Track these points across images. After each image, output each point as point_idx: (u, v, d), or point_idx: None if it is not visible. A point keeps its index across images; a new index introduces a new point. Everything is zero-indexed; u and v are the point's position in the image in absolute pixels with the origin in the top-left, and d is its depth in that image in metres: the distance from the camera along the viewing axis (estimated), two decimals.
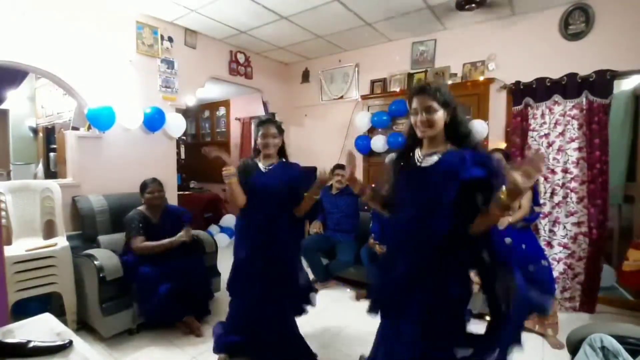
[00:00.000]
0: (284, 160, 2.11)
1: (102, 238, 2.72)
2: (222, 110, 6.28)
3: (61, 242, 2.47)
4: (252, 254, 1.98)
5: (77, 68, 2.85)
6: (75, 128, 3.40)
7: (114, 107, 2.94)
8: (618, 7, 2.79)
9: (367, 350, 2.27)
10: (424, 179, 1.36)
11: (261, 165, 2.04)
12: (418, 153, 1.42)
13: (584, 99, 2.86)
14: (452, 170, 1.28)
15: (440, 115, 1.35)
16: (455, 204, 1.25)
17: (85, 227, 2.76)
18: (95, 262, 2.31)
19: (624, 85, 3.27)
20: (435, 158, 1.36)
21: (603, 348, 1.25)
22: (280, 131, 2.05)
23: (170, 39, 3.46)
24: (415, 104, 1.38)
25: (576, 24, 2.94)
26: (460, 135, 1.37)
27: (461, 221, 1.26)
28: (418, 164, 1.40)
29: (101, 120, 2.90)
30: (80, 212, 2.75)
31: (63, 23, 2.74)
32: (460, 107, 1.42)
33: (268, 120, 2.06)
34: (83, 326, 2.47)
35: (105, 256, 2.40)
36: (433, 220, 1.29)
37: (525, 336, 2.44)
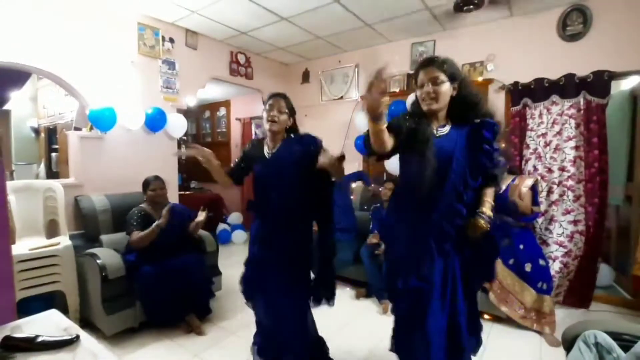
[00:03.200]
0: (289, 138, 1.78)
1: (104, 237, 2.75)
2: (222, 111, 6.31)
3: (64, 241, 2.49)
4: (263, 249, 1.75)
5: (79, 69, 2.87)
6: (77, 128, 3.42)
7: (115, 107, 2.97)
8: (615, 8, 2.81)
9: (366, 349, 2.30)
10: (438, 147, 1.36)
11: (266, 151, 1.77)
12: (432, 125, 1.42)
13: (582, 99, 2.88)
14: (455, 141, 1.37)
15: (446, 88, 1.35)
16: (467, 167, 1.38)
17: (87, 226, 2.79)
18: (98, 261, 2.34)
19: (622, 86, 3.29)
20: (446, 129, 1.41)
21: (597, 344, 1.27)
22: (290, 108, 1.77)
23: (171, 40, 3.49)
24: (421, 76, 1.37)
25: (574, 25, 2.97)
26: (469, 106, 1.38)
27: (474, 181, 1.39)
28: (435, 133, 1.40)
29: (103, 120, 2.92)
30: (82, 211, 2.78)
31: (65, 24, 2.77)
32: (467, 80, 1.41)
33: (278, 94, 1.78)
34: (85, 324, 2.49)
35: (107, 255, 2.43)
36: (442, 182, 1.38)
37: (522, 334, 2.48)
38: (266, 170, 1.74)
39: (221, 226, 5.19)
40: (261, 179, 1.76)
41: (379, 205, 3.24)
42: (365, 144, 1.40)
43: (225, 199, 5.64)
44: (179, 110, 3.63)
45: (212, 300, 2.81)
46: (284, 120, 1.73)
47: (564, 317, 2.64)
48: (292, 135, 1.79)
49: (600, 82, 2.79)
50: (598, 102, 2.80)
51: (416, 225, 1.44)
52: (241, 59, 4.24)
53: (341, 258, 3.26)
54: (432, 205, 1.40)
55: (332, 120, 4.54)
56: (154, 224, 2.48)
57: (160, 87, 3.44)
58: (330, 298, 1.85)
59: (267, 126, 1.72)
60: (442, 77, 1.33)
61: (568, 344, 1.41)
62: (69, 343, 0.95)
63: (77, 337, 0.97)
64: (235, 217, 5.50)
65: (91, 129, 3.06)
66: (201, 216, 2.74)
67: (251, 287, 1.82)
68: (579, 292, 2.91)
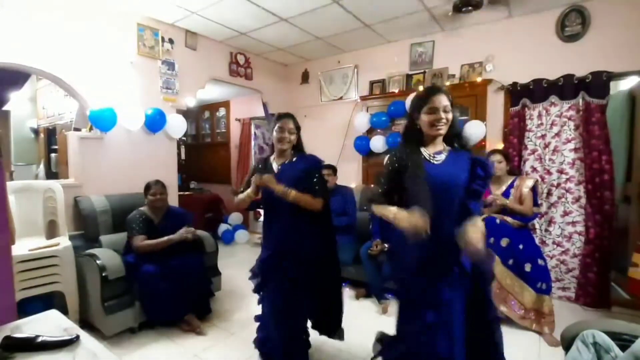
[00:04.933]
0: (296, 157, 2.00)
1: (103, 238, 2.76)
2: (222, 111, 6.31)
3: (63, 242, 2.49)
4: (274, 253, 1.94)
5: (79, 70, 2.88)
6: (77, 129, 3.43)
7: (115, 108, 2.98)
8: (614, 8, 2.82)
9: (367, 350, 2.30)
10: (438, 174, 1.43)
11: (274, 166, 1.99)
12: (425, 151, 1.50)
13: (581, 100, 2.89)
14: (458, 169, 1.44)
15: (452, 115, 1.47)
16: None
17: (87, 227, 2.80)
18: (98, 262, 2.34)
19: (621, 86, 3.29)
20: (443, 156, 1.48)
21: (595, 344, 1.28)
22: (298, 128, 1.98)
23: (171, 41, 3.50)
24: (435, 103, 1.45)
25: (572, 25, 2.98)
26: (454, 135, 1.50)
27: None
28: (430, 160, 1.47)
29: (103, 121, 2.93)
30: (82, 212, 2.78)
31: (65, 25, 2.77)
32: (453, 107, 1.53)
33: (287, 115, 1.98)
34: (85, 325, 2.48)
35: (107, 256, 2.43)
36: (449, 207, 1.43)
37: (521, 334, 2.49)
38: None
39: (223, 227, 5.21)
40: (268, 190, 1.92)
41: None
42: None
43: (224, 200, 5.64)
44: (179, 111, 3.63)
45: (211, 300, 2.82)
46: (293, 139, 1.95)
47: (564, 317, 2.63)
48: (294, 159, 1.99)
49: (598, 83, 2.80)
50: (597, 102, 2.81)
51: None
52: (241, 59, 4.25)
53: (341, 258, 3.27)
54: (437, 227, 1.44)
55: (331, 120, 4.55)
56: (167, 237, 2.52)
57: (160, 87, 3.44)
58: (335, 330, 2.09)
59: (278, 146, 1.95)
60: (450, 105, 1.46)
61: (567, 343, 1.42)
62: (69, 343, 0.95)
63: (77, 337, 0.97)
64: (235, 217, 5.51)
65: (91, 129, 3.06)
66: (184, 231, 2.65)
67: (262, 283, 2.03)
68: (597, 294, 2.90)
